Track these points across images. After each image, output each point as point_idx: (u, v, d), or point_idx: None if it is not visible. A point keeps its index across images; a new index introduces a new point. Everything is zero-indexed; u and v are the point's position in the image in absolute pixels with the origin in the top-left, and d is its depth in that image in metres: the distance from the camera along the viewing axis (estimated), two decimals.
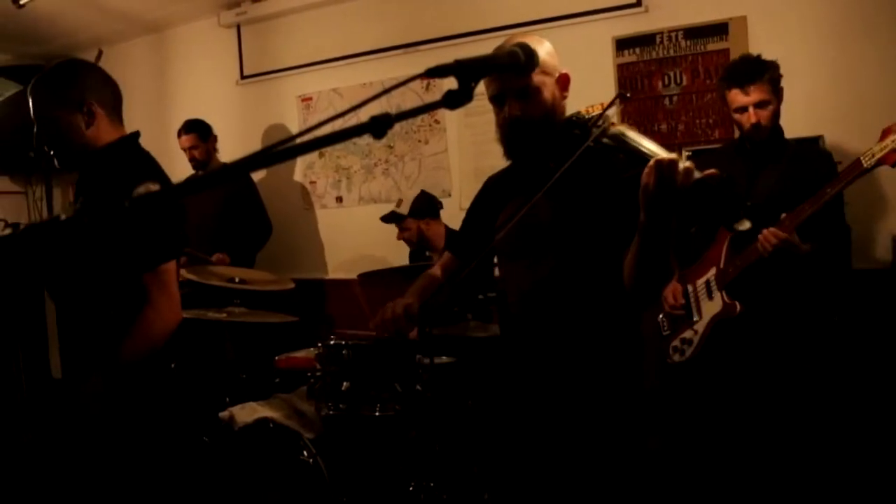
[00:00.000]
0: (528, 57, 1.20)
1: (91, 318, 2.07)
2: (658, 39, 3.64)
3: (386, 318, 1.77)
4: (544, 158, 1.74)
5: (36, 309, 1.96)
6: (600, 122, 1.59)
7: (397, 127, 4.55)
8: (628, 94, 1.78)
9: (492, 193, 2.03)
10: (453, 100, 1.05)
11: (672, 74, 3.62)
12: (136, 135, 2.23)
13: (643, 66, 3.68)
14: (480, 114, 4.15)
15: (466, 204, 4.10)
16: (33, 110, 2.13)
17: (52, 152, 2.18)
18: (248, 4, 4.84)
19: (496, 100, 1.79)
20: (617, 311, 1.76)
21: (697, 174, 1.28)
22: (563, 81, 1.82)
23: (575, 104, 1.95)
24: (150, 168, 2.17)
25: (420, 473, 2.82)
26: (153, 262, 2.03)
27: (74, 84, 2.11)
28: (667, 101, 3.63)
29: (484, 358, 3.37)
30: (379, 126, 0.96)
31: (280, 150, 0.95)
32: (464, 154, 4.25)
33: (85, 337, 2.05)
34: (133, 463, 2.02)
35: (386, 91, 1.11)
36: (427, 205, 3.65)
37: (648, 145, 1.47)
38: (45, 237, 0.77)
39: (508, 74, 1.66)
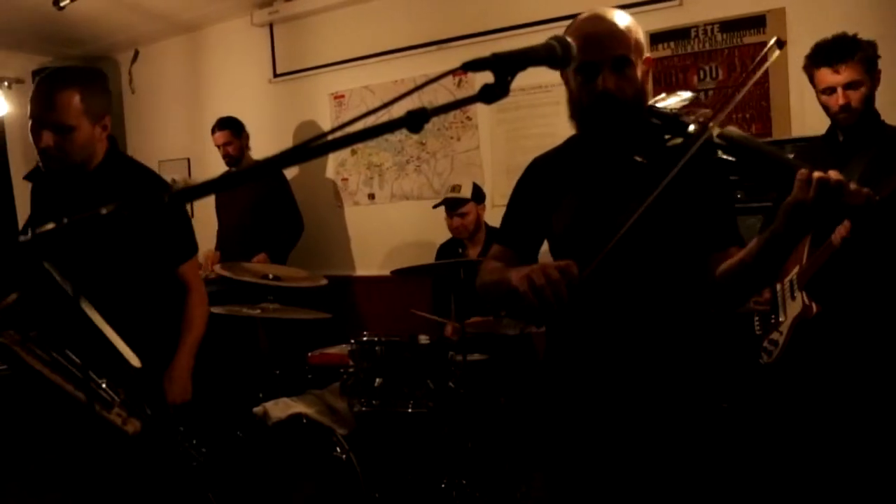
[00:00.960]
0: (565, 50, 1.18)
1: (130, 309, 2.11)
2: (693, 33, 3.58)
3: (540, 283, 1.44)
4: (627, 147, 1.58)
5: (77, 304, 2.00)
6: (710, 123, 1.49)
7: (430, 123, 4.52)
8: (784, 41, 1.60)
9: (542, 178, 1.80)
10: (489, 94, 1.03)
11: (708, 69, 3.56)
12: (114, 140, 2.29)
13: (678, 60, 3.63)
14: (513, 110, 4.15)
15: (500, 201, 4.13)
16: (54, 114, 2.04)
17: (48, 159, 2.10)
18: (281, 3, 4.87)
19: (588, 68, 1.59)
20: (698, 318, 1.65)
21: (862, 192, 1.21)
22: (649, 65, 1.68)
23: None
24: (147, 172, 2.31)
25: (452, 470, 2.82)
26: (192, 252, 2.29)
27: (102, 97, 2.13)
28: (702, 96, 3.57)
29: (517, 355, 3.36)
30: (415, 120, 0.95)
31: (315, 146, 0.95)
32: (496, 150, 4.24)
33: (130, 327, 2.07)
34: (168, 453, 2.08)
35: (419, 87, 1.09)
36: (482, 192, 3.67)
37: (773, 150, 1.41)
38: (87, 231, 0.78)
39: (611, 41, 1.55)
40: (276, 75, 5.04)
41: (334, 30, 4.77)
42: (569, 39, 1.21)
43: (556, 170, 1.78)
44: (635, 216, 1.45)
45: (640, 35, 1.65)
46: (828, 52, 2.49)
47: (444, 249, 3.79)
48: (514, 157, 4.15)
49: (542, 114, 4.03)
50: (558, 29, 4.47)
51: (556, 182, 1.75)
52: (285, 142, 4.98)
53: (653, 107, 1.62)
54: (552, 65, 1.21)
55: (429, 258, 3.99)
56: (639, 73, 1.62)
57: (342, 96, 4.75)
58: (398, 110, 0.94)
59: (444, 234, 3.79)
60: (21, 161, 5.55)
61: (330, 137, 0.95)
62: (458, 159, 4.35)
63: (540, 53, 1.16)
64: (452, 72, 1.05)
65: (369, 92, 4.63)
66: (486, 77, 1.04)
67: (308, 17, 4.84)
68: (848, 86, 2.45)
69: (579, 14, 1.71)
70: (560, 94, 4.34)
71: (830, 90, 2.49)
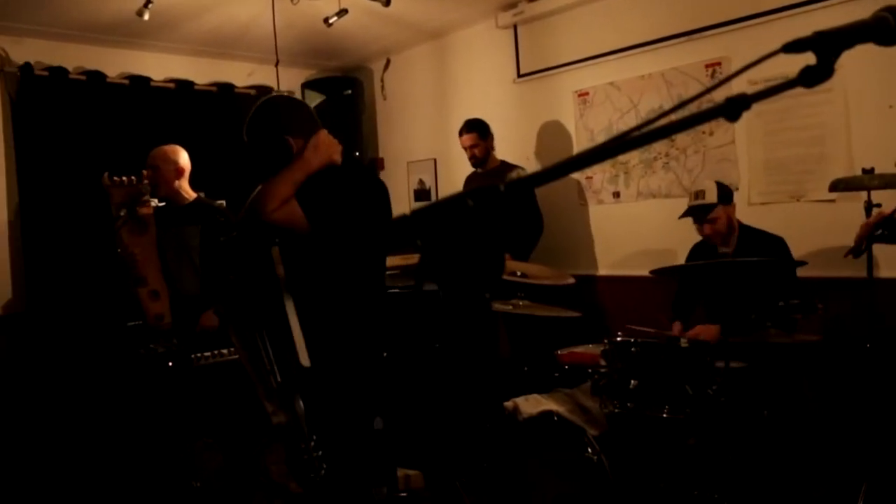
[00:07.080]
0: None
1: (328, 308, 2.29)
2: None
3: None
4: None
5: (277, 299, 2.26)
6: None
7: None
8: None
9: None
10: (812, 76, 0.95)
11: None
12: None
13: None
14: (772, 101, 3.79)
15: (756, 199, 3.86)
16: None
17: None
18: (525, 4, 4.94)
19: None
20: None
21: None
22: None
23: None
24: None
25: (706, 482, 2.67)
26: None
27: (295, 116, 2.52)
28: None
29: (781, 365, 3.11)
30: (734, 108, 0.90)
31: (629, 140, 0.92)
32: (753, 145, 3.94)
33: (325, 326, 2.26)
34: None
35: (720, 84, 1.03)
36: (729, 190, 3.41)
37: None
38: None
39: None
40: (519, 75, 5.12)
41: (578, 27, 4.74)
42: None
43: None
44: None
45: None
46: None
47: (697, 250, 3.59)
48: (774, 152, 3.84)
49: (806, 103, 3.68)
50: (814, 14, 4.06)
51: None
52: (529, 141, 5.04)
53: None
54: (884, 41, 1.09)
55: (675, 258, 3.82)
56: None
57: (586, 94, 4.70)
58: (645, 109, 0.89)
59: (694, 234, 3.60)
60: None
61: (637, 133, 0.92)
62: (711, 155, 4.11)
63: (870, 27, 1.05)
64: (773, 55, 0.97)
65: (615, 88, 4.53)
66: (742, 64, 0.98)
67: (551, 16, 4.86)
68: None
69: None
70: (830, 82, 3.99)
71: None
